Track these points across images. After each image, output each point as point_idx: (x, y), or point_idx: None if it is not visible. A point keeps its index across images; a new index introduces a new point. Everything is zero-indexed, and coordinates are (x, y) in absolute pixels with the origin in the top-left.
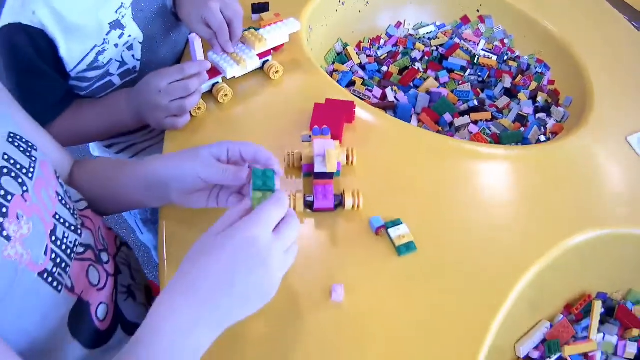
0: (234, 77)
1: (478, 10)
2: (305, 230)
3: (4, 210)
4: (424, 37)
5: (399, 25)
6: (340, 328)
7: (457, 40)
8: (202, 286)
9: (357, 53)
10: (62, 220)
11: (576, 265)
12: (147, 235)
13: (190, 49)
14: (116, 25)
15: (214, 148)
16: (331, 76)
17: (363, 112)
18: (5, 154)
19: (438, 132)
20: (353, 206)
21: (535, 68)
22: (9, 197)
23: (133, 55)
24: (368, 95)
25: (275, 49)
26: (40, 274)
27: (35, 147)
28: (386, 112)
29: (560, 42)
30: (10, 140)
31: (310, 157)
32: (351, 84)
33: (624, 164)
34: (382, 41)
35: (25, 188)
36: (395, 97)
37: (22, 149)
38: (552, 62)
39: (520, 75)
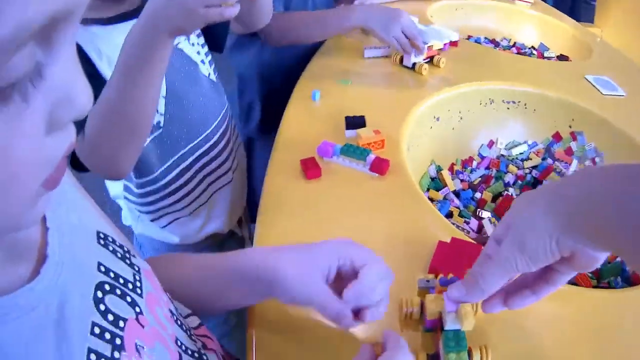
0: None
1: (570, 126)
2: None
3: (118, 341)
4: (516, 158)
5: (491, 144)
6: None
7: (549, 161)
8: None
9: (450, 177)
10: (183, 347)
11: None
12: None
13: None
14: None
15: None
16: None
17: None
18: (100, 264)
19: None
20: None
21: None
22: (121, 324)
23: None
24: (467, 229)
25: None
26: None
27: (129, 251)
28: None
29: None
30: (102, 243)
31: (437, 311)
32: (448, 214)
33: None
34: (474, 163)
35: (138, 309)
36: None
37: (119, 254)
38: None
39: None
